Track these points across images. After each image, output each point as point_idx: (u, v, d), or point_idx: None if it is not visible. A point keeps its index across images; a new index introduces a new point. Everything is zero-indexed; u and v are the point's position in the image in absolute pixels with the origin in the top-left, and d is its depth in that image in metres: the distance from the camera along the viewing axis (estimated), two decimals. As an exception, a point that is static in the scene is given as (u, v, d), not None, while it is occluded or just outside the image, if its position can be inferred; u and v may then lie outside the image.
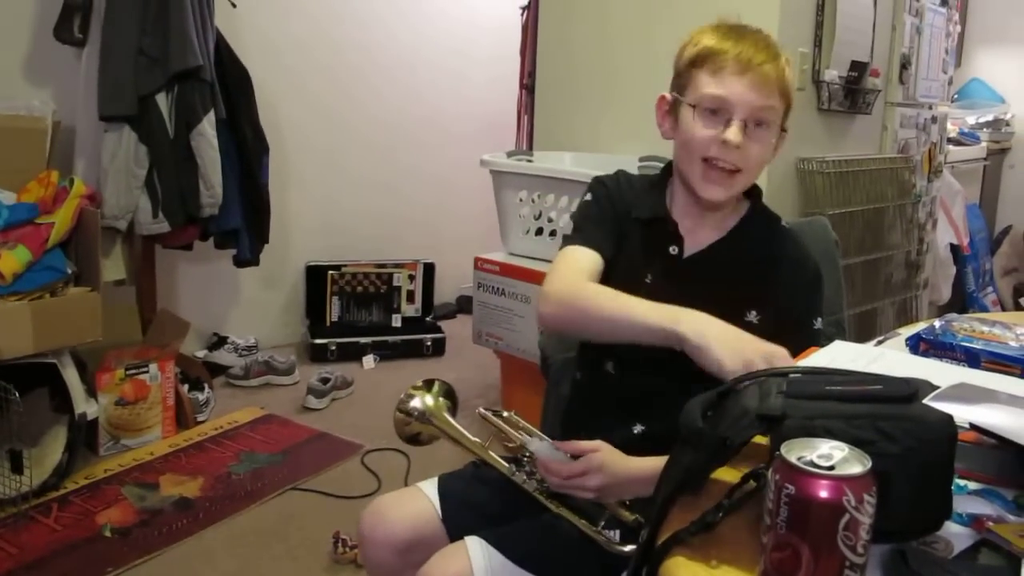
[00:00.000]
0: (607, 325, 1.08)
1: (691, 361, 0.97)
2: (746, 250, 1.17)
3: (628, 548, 1.08)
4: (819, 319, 1.18)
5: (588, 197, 1.26)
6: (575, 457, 1.09)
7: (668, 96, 1.19)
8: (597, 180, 1.28)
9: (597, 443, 1.11)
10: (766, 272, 1.16)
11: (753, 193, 1.22)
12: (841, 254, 1.71)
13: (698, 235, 1.19)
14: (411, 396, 1.23)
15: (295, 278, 3.63)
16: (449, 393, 1.28)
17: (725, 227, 1.19)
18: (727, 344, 0.95)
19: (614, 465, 1.09)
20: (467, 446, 1.20)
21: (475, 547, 1.09)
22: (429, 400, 1.21)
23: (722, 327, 0.99)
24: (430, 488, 1.24)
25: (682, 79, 1.16)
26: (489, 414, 1.20)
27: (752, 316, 1.14)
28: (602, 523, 1.11)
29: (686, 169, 1.17)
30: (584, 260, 1.17)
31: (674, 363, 1.00)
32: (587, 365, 1.29)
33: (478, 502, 1.22)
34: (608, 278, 1.18)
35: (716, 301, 1.07)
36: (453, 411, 1.26)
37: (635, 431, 1.18)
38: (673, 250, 1.18)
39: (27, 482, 2.13)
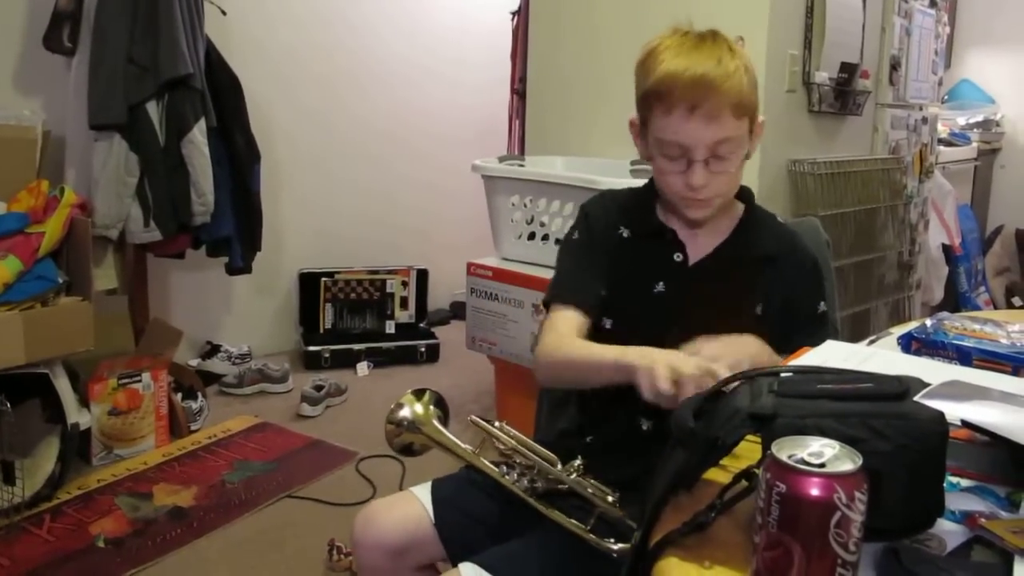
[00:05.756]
0: (582, 373, 1.14)
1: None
2: (749, 251, 1.20)
3: (618, 547, 1.08)
4: (823, 302, 1.24)
5: (574, 235, 1.29)
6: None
7: (636, 121, 1.21)
8: (581, 211, 1.30)
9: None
10: (768, 269, 1.20)
11: (744, 195, 1.24)
12: (833, 255, 1.71)
13: (698, 240, 1.21)
14: (401, 406, 1.23)
15: (288, 285, 3.62)
16: (439, 402, 1.27)
17: (723, 229, 1.21)
18: (665, 361, 0.96)
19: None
20: (458, 454, 1.19)
21: (469, 573, 1.09)
22: (419, 409, 1.21)
23: (665, 352, 1.00)
24: (423, 492, 1.24)
25: (643, 108, 1.17)
26: (481, 421, 1.20)
27: (759, 309, 1.20)
28: (591, 524, 1.11)
29: (667, 195, 1.19)
30: (563, 323, 1.20)
31: None
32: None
33: (471, 505, 1.22)
34: (616, 297, 1.22)
35: (724, 302, 1.17)
36: (444, 420, 1.26)
37: (643, 427, 1.18)
38: (678, 257, 1.20)
39: (19, 493, 2.11)
